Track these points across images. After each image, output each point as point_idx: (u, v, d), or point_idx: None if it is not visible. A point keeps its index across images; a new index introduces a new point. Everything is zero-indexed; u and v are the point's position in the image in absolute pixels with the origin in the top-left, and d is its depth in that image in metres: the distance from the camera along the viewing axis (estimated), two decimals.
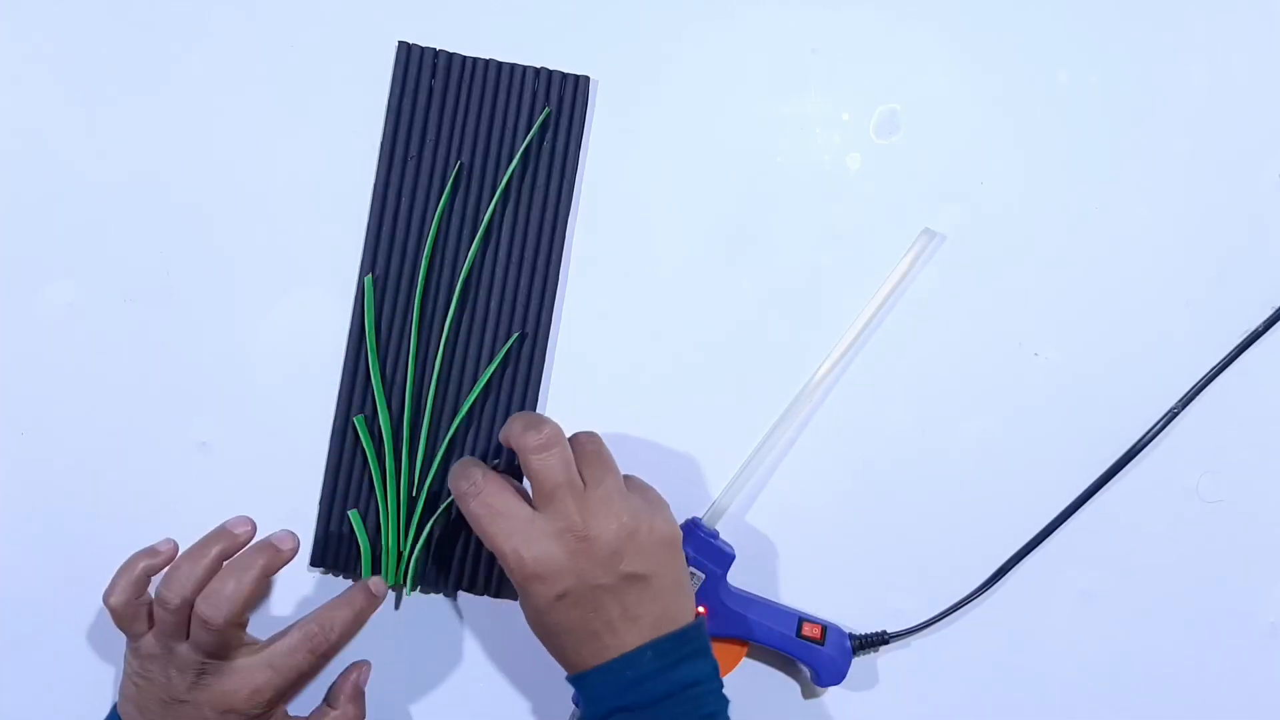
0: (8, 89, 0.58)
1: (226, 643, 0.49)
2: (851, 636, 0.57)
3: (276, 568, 0.50)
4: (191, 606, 0.49)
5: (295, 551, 0.51)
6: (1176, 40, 0.60)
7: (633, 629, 0.49)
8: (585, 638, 0.49)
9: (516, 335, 0.58)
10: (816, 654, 0.56)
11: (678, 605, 0.50)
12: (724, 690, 0.51)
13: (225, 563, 0.50)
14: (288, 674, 0.50)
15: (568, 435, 0.51)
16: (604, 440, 0.52)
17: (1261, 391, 0.60)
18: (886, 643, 0.58)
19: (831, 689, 0.58)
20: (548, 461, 0.49)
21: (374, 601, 0.53)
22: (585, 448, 0.51)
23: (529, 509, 0.49)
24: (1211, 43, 0.60)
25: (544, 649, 0.51)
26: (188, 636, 0.49)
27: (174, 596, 0.49)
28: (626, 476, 0.53)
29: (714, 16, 0.60)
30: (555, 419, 0.58)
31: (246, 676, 0.50)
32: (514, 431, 0.50)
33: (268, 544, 0.51)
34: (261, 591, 0.50)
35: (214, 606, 0.48)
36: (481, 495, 0.50)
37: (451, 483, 0.51)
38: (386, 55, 0.58)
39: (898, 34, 0.60)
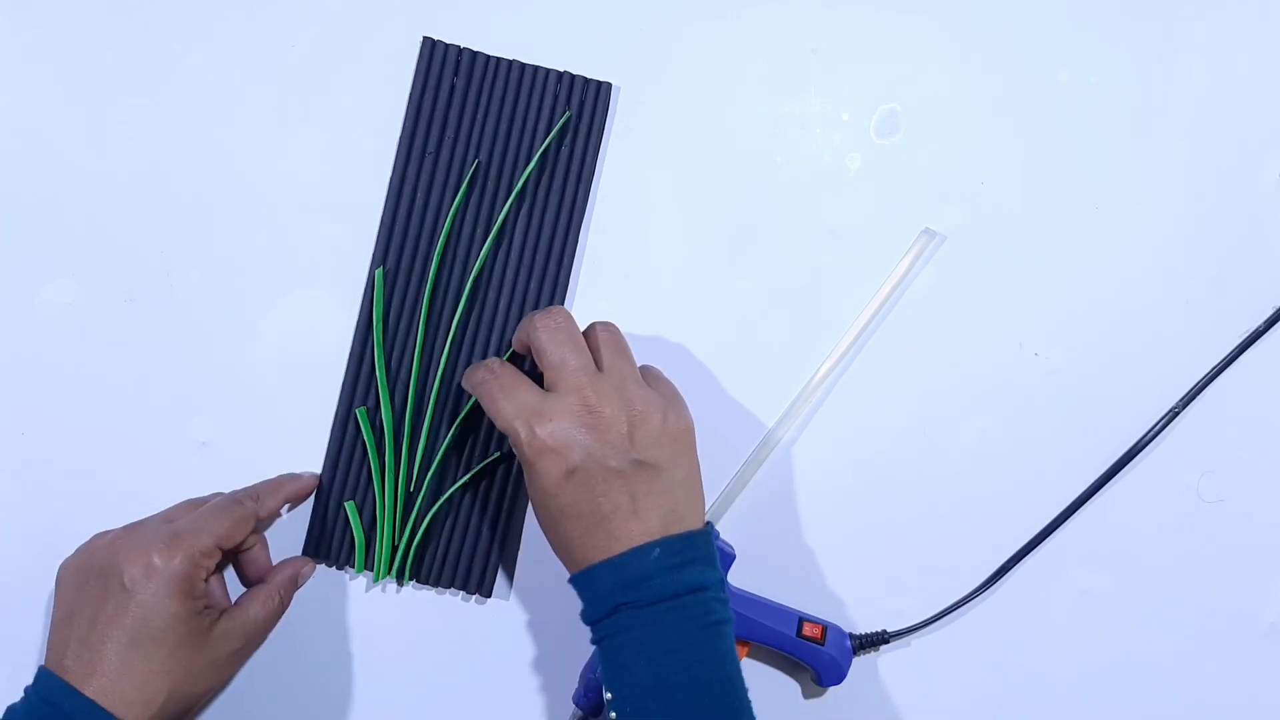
0: (8, 89, 0.58)
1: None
2: (852, 636, 0.57)
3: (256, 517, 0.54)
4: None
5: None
6: (1176, 40, 0.60)
7: (640, 523, 0.48)
8: (593, 524, 0.48)
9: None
10: (817, 654, 0.56)
11: (687, 506, 0.50)
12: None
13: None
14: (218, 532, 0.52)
15: (584, 326, 0.52)
16: (618, 330, 0.52)
17: (1261, 391, 0.60)
18: (887, 642, 0.58)
19: (832, 689, 0.58)
20: (557, 337, 0.50)
21: (303, 487, 0.57)
22: (600, 336, 0.52)
23: (542, 390, 0.50)
24: (1211, 43, 0.60)
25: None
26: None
27: None
28: (644, 367, 0.53)
29: (713, 17, 0.60)
30: None
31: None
32: (529, 321, 0.52)
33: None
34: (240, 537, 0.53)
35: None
36: (498, 378, 0.51)
37: (467, 376, 0.53)
38: (410, 50, 0.58)
39: (898, 34, 0.60)
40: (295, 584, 0.56)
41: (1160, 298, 0.60)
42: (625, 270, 0.59)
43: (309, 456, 0.58)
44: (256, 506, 0.54)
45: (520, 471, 0.58)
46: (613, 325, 0.53)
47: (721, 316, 0.59)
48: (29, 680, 0.50)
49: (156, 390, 0.58)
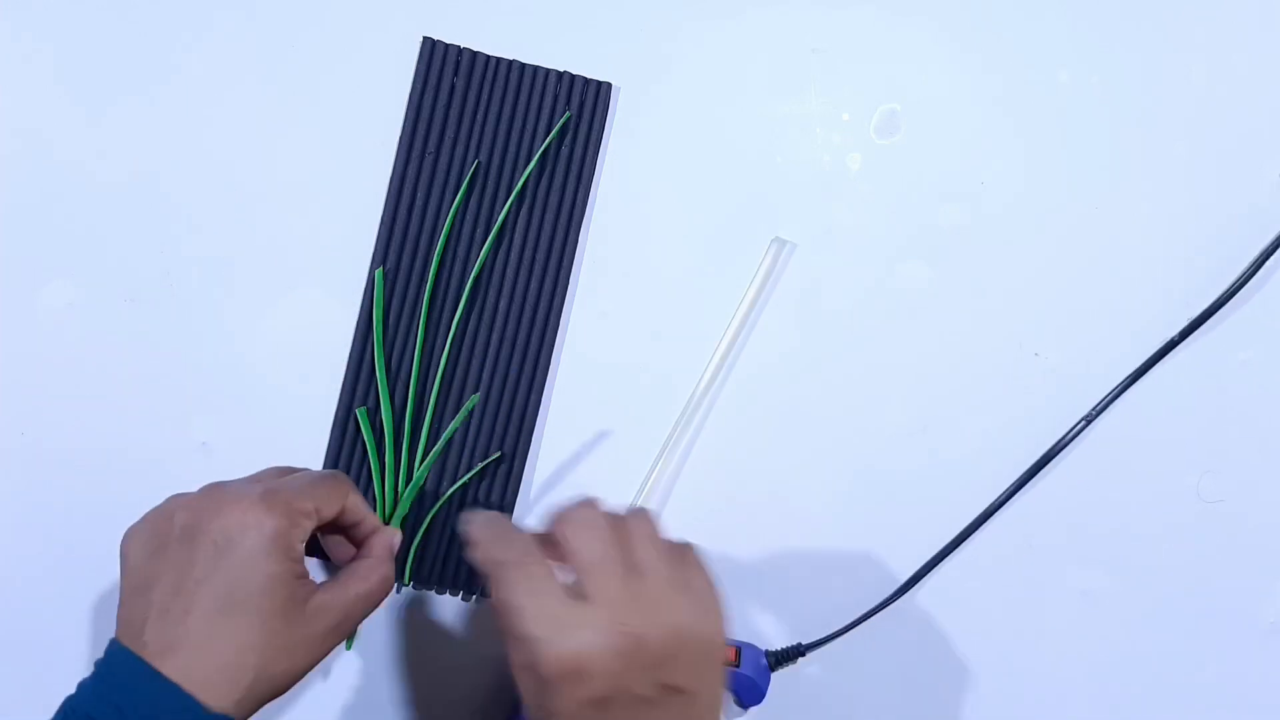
0: (8, 89, 0.58)
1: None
2: (767, 653, 0.56)
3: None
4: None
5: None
6: (1176, 40, 0.60)
7: None
8: None
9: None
10: (734, 676, 0.55)
11: None
12: None
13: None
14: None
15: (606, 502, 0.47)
16: (656, 519, 0.46)
17: (1262, 391, 0.60)
18: (803, 654, 0.57)
19: (754, 708, 0.57)
20: (592, 537, 0.44)
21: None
22: (636, 530, 0.45)
23: (569, 597, 0.42)
24: (1211, 43, 0.60)
25: None
26: None
27: None
28: (681, 546, 0.46)
29: (713, 17, 0.60)
30: (557, 422, 0.59)
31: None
32: (558, 514, 0.45)
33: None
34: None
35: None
36: (525, 567, 0.43)
37: (481, 539, 0.45)
38: (410, 50, 0.58)
39: (898, 34, 0.60)
40: (392, 555, 0.51)
41: (1160, 298, 0.60)
42: (625, 270, 0.59)
43: (309, 457, 0.58)
44: (348, 486, 0.49)
45: (522, 474, 0.58)
46: (650, 515, 0.46)
47: (722, 317, 0.59)
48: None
49: (156, 391, 0.58)
